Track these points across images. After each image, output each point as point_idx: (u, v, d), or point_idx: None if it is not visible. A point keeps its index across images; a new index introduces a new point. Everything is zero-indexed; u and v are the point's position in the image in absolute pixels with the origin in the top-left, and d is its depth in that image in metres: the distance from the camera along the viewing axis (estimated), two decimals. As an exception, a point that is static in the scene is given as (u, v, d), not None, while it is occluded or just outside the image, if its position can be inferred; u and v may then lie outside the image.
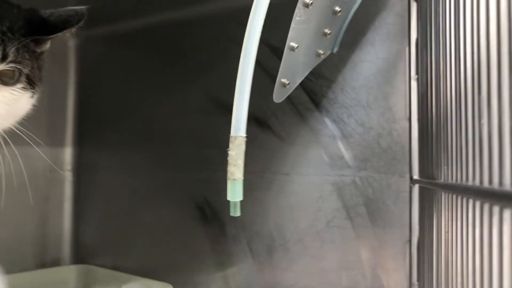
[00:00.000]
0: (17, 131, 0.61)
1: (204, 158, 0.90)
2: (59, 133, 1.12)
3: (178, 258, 0.94)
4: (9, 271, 0.94)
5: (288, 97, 0.67)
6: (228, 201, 0.51)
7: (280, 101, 0.66)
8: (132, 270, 0.97)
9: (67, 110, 1.14)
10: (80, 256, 1.10)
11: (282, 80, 0.64)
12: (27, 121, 1.03)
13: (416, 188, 0.68)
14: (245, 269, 0.84)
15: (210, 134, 0.89)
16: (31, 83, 0.60)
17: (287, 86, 0.65)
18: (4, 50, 0.54)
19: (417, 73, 0.68)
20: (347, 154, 0.75)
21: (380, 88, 0.72)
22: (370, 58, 0.73)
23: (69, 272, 1.04)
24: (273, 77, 0.64)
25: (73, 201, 1.13)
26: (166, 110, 0.98)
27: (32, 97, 0.62)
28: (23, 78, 0.58)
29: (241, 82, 0.50)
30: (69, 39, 1.12)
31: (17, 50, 0.56)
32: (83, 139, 1.13)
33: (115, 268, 1.00)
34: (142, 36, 1.03)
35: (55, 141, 1.11)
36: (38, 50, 0.61)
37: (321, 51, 0.69)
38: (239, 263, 0.85)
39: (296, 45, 0.60)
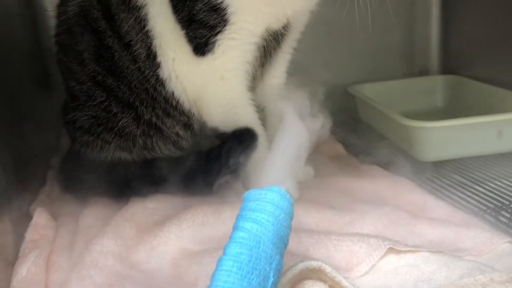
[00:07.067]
0: None
1: None
2: None
3: None
4: (375, 78, 0.96)
5: None
6: None
7: None
8: (509, 85, 0.82)
9: None
10: (448, 66, 1.02)
11: None
12: None
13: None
14: None
15: None
16: None
17: None
18: None
19: None
20: None
21: None
22: None
23: (437, 83, 0.98)
24: None
25: (441, 6, 1.02)
26: None
27: None
28: None
29: None
30: None
31: None
32: None
33: (487, 81, 0.87)
34: None
35: None
36: None
37: None
38: None
39: None
